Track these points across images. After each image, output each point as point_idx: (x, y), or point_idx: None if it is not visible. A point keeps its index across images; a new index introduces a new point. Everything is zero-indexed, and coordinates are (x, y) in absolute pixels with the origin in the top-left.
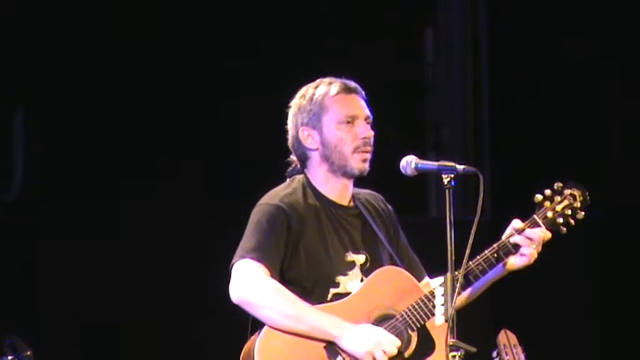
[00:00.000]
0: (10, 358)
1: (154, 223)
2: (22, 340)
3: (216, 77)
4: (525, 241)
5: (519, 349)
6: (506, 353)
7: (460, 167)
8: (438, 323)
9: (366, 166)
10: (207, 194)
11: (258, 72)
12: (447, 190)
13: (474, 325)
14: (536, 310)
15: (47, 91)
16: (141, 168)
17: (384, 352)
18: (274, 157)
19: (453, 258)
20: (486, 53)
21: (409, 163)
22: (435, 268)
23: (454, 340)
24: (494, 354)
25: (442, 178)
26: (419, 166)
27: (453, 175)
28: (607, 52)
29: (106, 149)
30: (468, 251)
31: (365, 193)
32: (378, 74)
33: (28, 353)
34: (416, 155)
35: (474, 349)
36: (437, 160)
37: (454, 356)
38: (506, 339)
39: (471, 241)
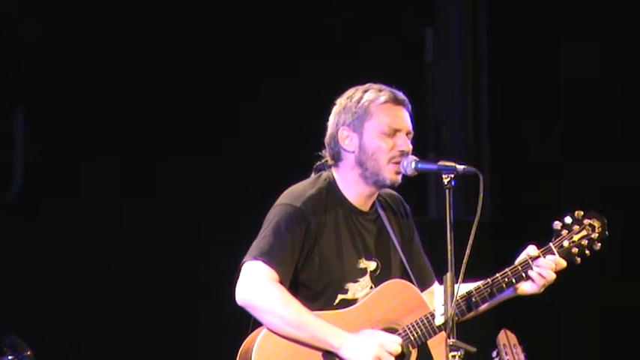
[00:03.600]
0: (10, 358)
1: (154, 223)
2: (22, 340)
3: (217, 78)
4: (539, 270)
5: (519, 349)
6: (506, 353)
7: (460, 167)
8: (438, 323)
9: (399, 178)
10: (207, 195)
11: (258, 72)
12: (446, 190)
13: (474, 325)
14: (536, 310)
15: (47, 91)
16: (141, 168)
17: (390, 353)
18: (276, 158)
19: (453, 258)
20: (486, 53)
21: (409, 163)
22: (435, 268)
23: (454, 340)
24: (494, 354)
25: (442, 178)
26: (419, 166)
27: (452, 175)
28: (607, 54)
29: (106, 149)
30: (467, 251)
31: (385, 193)
32: (377, 74)
33: (28, 353)
34: (416, 155)
35: (473, 349)
36: (437, 160)
37: (454, 356)
38: (506, 339)
39: (470, 241)
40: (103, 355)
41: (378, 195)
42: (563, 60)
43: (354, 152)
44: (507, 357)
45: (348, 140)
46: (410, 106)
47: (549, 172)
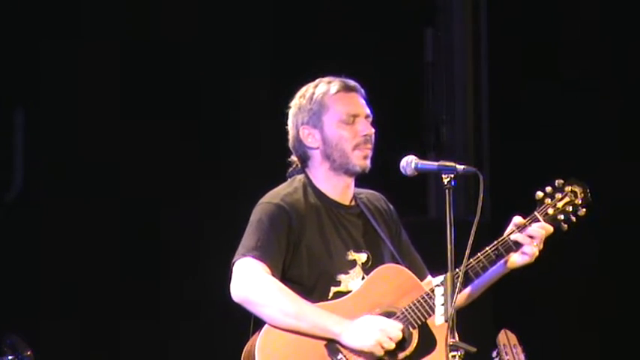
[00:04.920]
0: (10, 357)
1: (154, 222)
2: (22, 340)
3: (216, 77)
4: (526, 239)
5: (519, 349)
6: (506, 353)
7: (460, 167)
8: (438, 323)
9: (368, 162)
10: (208, 194)
11: (258, 72)
12: (446, 190)
13: (474, 325)
14: (536, 310)
15: (47, 91)
16: (141, 167)
17: (390, 339)
18: (274, 157)
19: (453, 258)
20: (486, 53)
21: (409, 163)
22: (435, 269)
23: (454, 340)
24: (494, 354)
25: (442, 178)
26: (419, 166)
27: (452, 175)
28: (608, 55)
29: (106, 149)
30: (467, 251)
31: (366, 192)
32: (377, 74)
33: (28, 353)
34: (416, 155)
35: (474, 349)
36: (437, 160)
37: (454, 356)
38: (506, 339)
39: (470, 241)
40: (104, 356)
41: (359, 194)
42: (563, 60)
43: (318, 148)
44: (507, 357)
45: (310, 138)
46: (363, 91)
47: (549, 172)
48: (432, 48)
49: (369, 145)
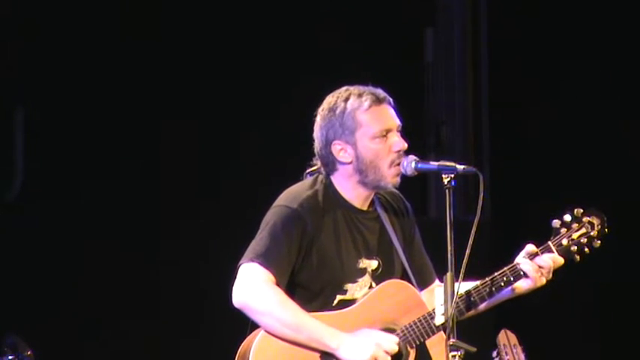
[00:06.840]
0: (10, 358)
1: (154, 223)
2: (22, 339)
3: (217, 77)
4: (535, 267)
5: (519, 349)
6: (506, 353)
7: (460, 167)
8: (438, 323)
9: (399, 180)
10: (208, 194)
11: (258, 71)
12: (446, 190)
13: (474, 325)
14: (536, 310)
15: (47, 90)
16: (140, 168)
17: (386, 352)
18: (274, 158)
19: (453, 258)
20: (486, 53)
21: (409, 163)
22: (435, 268)
23: (454, 340)
24: (494, 354)
25: (442, 178)
26: (419, 166)
27: (453, 175)
28: (608, 55)
29: (106, 149)
30: (467, 251)
31: (385, 191)
32: (378, 74)
33: (28, 353)
34: (416, 155)
35: (473, 349)
36: (437, 160)
37: (454, 356)
38: (506, 339)
39: (470, 241)
40: (103, 356)
41: (377, 193)
42: (563, 60)
43: (351, 163)
44: (507, 357)
45: (342, 152)
46: (391, 99)
47: (549, 172)
48: (432, 48)
49: (402, 159)
